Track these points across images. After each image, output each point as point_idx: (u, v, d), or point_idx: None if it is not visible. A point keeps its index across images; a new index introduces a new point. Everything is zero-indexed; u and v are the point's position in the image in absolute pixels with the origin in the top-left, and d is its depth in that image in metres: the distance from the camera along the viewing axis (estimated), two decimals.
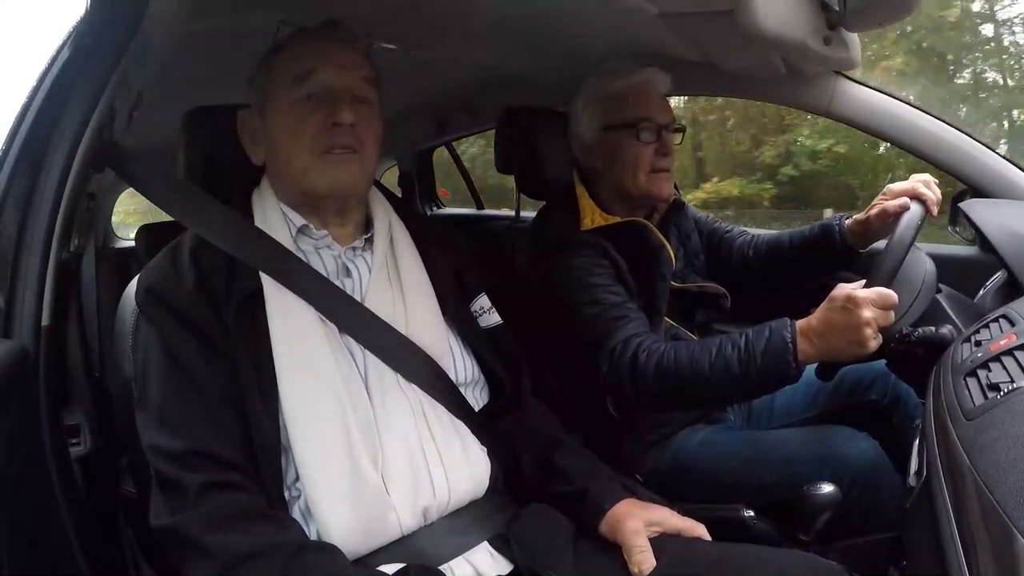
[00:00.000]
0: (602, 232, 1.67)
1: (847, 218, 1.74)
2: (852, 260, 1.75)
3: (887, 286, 1.30)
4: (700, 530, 1.22)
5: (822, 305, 1.33)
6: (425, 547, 1.12)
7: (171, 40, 1.36)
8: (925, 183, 1.50)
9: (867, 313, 1.26)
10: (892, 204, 1.53)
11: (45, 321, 1.16)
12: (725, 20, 1.43)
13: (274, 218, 1.22)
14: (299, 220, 1.22)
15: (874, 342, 1.28)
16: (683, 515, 1.24)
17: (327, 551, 1.04)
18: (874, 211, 1.61)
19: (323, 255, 1.23)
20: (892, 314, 1.29)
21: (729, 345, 1.40)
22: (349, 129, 1.18)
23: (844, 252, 1.74)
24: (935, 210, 1.50)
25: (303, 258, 1.19)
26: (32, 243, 1.15)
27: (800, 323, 1.35)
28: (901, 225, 1.41)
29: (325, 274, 1.19)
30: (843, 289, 1.31)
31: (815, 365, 1.46)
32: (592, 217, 1.69)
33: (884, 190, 1.60)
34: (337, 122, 1.17)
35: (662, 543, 1.16)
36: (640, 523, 1.18)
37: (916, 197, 1.49)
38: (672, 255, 1.76)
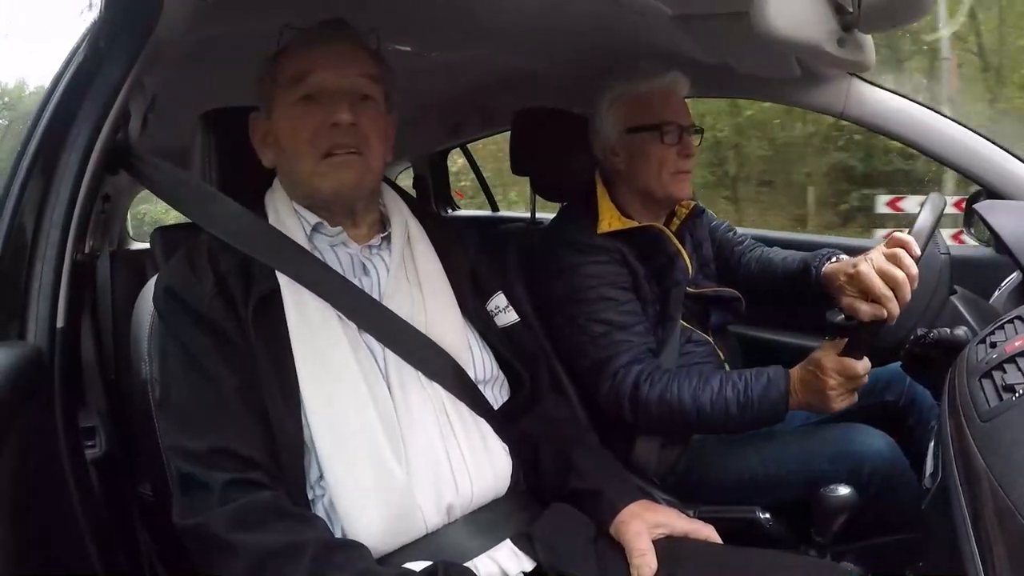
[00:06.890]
0: (619, 236, 1.67)
1: (833, 257, 1.58)
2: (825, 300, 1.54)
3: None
4: (707, 531, 1.22)
5: (803, 361, 1.45)
6: (450, 544, 1.11)
7: (185, 42, 1.36)
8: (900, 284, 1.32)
9: (831, 381, 1.39)
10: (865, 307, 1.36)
11: (60, 323, 1.15)
12: (739, 21, 1.42)
13: (288, 217, 1.21)
14: (313, 218, 1.22)
15: (840, 403, 1.42)
16: (699, 518, 1.24)
17: (354, 548, 1.03)
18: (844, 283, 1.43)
19: (339, 252, 1.23)
20: (864, 378, 1.41)
21: (729, 387, 1.49)
22: (350, 128, 1.16)
23: (819, 293, 1.56)
24: (894, 315, 1.34)
25: (319, 256, 1.19)
26: (47, 245, 1.14)
27: (791, 372, 1.47)
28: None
29: (341, 271, 1.19)
30: (816, 354, 1.43)
31: None
32: (610, 220, 1.68)
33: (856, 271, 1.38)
34: (336, 122, 1.16)
35: (675, 547, 1.16)
36: (643, 525, 1.18)
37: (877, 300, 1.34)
38: (688, 262, 1.76)
